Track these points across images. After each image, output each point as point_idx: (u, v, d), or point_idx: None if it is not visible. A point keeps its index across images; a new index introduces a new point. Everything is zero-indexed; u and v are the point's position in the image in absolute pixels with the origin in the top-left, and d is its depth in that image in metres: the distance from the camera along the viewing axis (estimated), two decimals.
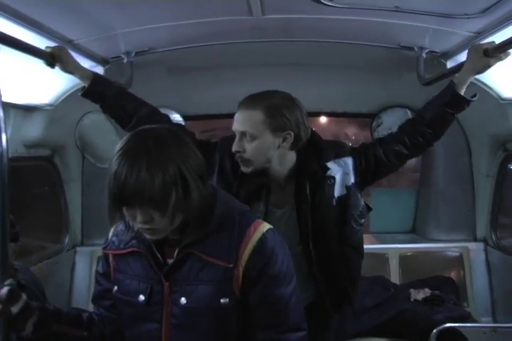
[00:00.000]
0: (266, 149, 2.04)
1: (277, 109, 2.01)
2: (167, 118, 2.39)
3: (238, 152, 2.04)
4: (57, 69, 2.26)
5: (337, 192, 2.14)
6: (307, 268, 2.19)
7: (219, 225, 1.49)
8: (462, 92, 2.16)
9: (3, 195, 1.50)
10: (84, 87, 2.29)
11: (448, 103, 2.18)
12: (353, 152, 2.20)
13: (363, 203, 2.23)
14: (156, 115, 2.32)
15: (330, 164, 2.12)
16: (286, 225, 2.13)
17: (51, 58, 2.17)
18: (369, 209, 2.28)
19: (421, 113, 2.28)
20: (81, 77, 2.27)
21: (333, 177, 2.12)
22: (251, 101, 2.04)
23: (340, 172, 2.14)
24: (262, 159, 2.05)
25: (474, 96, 2.19)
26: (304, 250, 2.16)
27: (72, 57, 2.25)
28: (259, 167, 2.07)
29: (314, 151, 2.13)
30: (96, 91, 2.26)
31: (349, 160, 2.16)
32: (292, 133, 2.03)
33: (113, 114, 2.34)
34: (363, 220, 2.23)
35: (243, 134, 2.03)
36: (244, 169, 2.07)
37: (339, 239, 2.18)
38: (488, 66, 2.12)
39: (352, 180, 2.16)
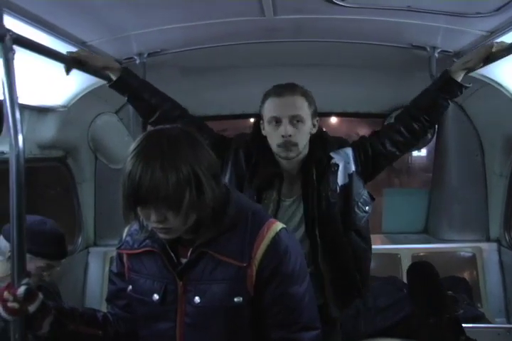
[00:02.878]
0: (307, 134, 2.13)
1: (310, 95, 2.13)
2: (187, 112, 2.42)
3: (290, 136, 2.06)
4: None
5: (340, 180, 2.21)
6: (313, 264, 2.21)
7: (232, 224, 1.50)
8: (458, 79, 2.25)
9: (20, 196, 1.51)
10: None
11: (441, 88, 2.29)
12: (352, 144, 2.31)
13: (366, 192, 2.30)
14: (178, 109, 2.39)
15: (333, 154, 2.21)
16: (293, 215, 2.22)
17: (73, 63, 2.17)
18: (372, 198, 2.33)
19: (416, 98, 2.39)
20: (112, 70, 2.28)
21: (337, 165, 2.20)
22: (289, 88, 2.11)
23: (343, 161, 2.22)
24: (305, 144, 2.13)
25: (469, 83, 2.27)
26: (310, 240, 2.20)
27: (96, 55, 2.32)
28: (301, 152, 2.13)
29: (320, 143, 2.22)
30: (124, 82, 2.30)
31: (349, 151, 2.26)
32: (318, 120, 2.16)
33: (138, 106, 2.39)
34: (367, 208, 2.29)
35: (293, 118, 2.07)
36: (290, 154, 2.10)
37: (344, 224, 2.23)
38: (477, 65, 2.23)
39: (353, 168, 2.24)
